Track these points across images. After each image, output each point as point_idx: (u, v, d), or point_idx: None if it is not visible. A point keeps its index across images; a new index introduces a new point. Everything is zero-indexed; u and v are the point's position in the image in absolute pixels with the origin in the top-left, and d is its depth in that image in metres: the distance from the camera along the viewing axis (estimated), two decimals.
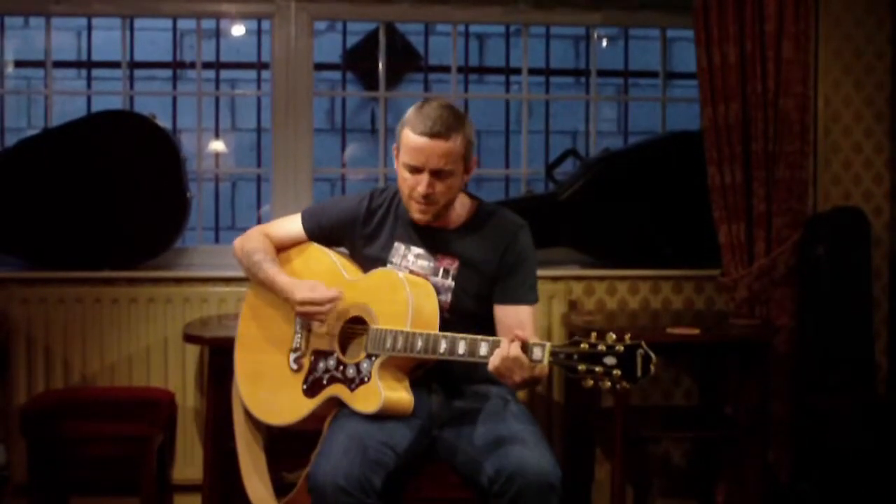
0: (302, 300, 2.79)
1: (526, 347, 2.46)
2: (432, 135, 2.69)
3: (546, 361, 2.43)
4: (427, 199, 2.73)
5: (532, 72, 4.70)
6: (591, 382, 2.37)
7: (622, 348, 2.35)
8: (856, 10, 4.31)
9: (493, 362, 2.49)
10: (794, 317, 4.12)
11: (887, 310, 4.35)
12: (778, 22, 4.02)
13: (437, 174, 2.71)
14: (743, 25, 4.02)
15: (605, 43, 6.00)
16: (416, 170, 2.72)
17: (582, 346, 2.39)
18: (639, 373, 2.34)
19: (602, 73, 5.36)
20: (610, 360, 2.35)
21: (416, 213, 2.78)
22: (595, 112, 4.74)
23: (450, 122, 2.72)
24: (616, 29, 5.89)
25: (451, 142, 2.71)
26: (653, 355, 2.34)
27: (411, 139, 2.72)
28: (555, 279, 4.21)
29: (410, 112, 2.78)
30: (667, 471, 4.36)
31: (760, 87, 4.03)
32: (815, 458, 4.03)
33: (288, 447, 3.17)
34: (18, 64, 5.90)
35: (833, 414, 3.96)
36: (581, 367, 2.37)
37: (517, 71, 4.95)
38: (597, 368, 2.36)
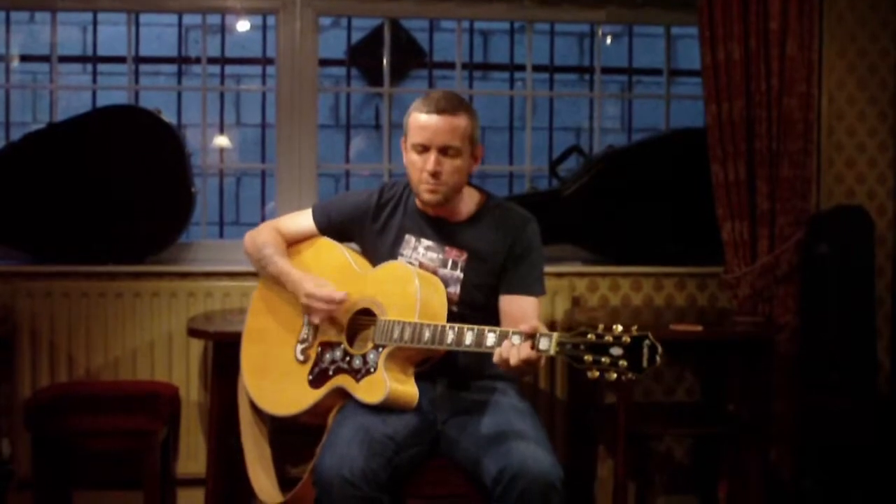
0: (308, 293, 2.82)
1: (533, 337, 2.47)
2: (438, 111, 2.77)
3: (553, 351, 2.43)
4: (435, 177, 2.77)
5: (536, 68, 4.70)
6: (596, 374, 2.36)
7: (629, 339, 2.35)
8: (860, 9, 4.31)
9: (500, 354, 2.50)
10: (796, 315, 4.12)
11: (890, 308, 4.36)
12: (782, 20, 4.02)
13: (444, 151, 2.77)
14: (747, 23, 4.03)
15: (609, 40, 5.99)
16: (424, 148, 2.78)
17: (588, 336, 2.39)
18: (645, 363, 2.33)
19: (606, 71, 5.36)
20: (616, 351, 2.35)
21: (426, 193, 2.81)
22: (599, 109, 4.74)
23: (454, 101, 2.81)
24: (620, 26, 5.88)
25: (457, 118, 2.78)
26: (659, 346, 2.34)
27: (418, 119, 2.80)
28: (558, 275, 4.22)
29: (416, 101, 2.87)
30: (669, 467, 4.37)
31: (764, 86, 4.04)
32: (816, 455, 4.04)
33: (292, 441, 3.19)
34: (24, 58, 5.90)
35: (835, 412, 3.97)
36: (587, 357, 2.37)
37: (521, 68, 4.94)
38: (603, 359, 2.35)
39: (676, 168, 4.37)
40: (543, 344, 2.45)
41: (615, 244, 4.40)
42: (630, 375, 2.35)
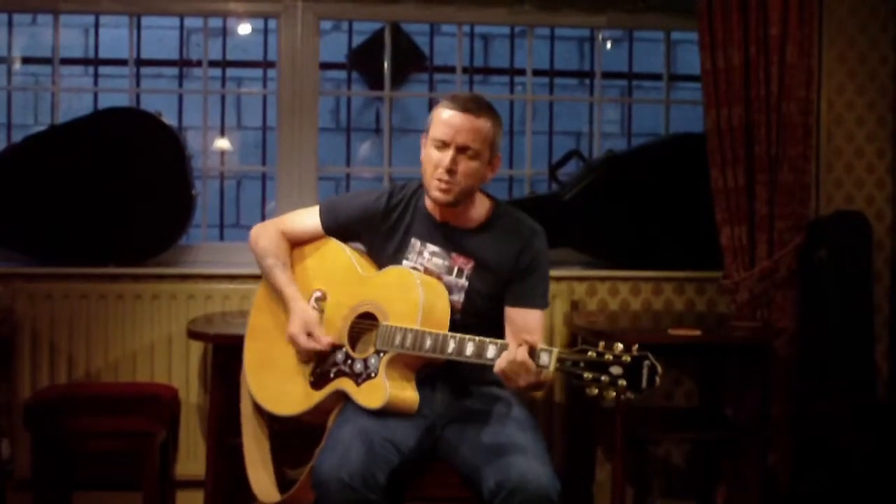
0: (291, 335, 2.85)
1: (533, 352, 2.46)
2: (464, 109, 2.75)
3: (552, 367, 2.43)
4: (450, 174, 2.74)
5: (536, 73, 4.71)
6: (595, 391, 2.37)
7: (629, 359, 2.34)
8: (860, 15, 4.33)
9: (500, 364, 2.50)
10: (795, 320, 4.13)
11: (888, 313, 4.36)
12: (782, 26, 4.03)
13: (462, 150, 2.74)
14: (747, 29, 4.04)
15: (609, 45, 6.00)
16: (443, 145, 2.75)
17: (589, 354, 2.39)
18: (644, 384, 2.33)
19: (606, 75, 5.37)
20: (616, 370, 2.34)
21: (436, 191, 2.77)
22: (599, 113, 4.76)
23: (482, 104, 2.79)
24: (620, 31, 5.89)
25: (481, 120, 2.75)
26: (659, 367, 2.34)
27: (442, 115, 2.77)
28: (557, 279, 4.22)
29: (443, 99, 2.83)
30: (667, 472, 4.38)
31: (764, 91, 4.05)
32: (814, 460, 4.04)
33: (291, 443, 3.19)
34: (26, 60, 5.91)
35: (833, 417, 3.98)
36: (587, 375, 2.37)
37: (522, 72, 4.95)
38: (602, 378, 2.35)
39: (676, 173, 4.38)
40: (543, 359, 2.45)
41: (614, 248, 4.41)
42: (629, 395, 2.35)
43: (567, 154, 4.74)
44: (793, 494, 4.12)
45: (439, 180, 2.76)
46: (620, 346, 2.37)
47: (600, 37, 4.77)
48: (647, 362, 2.34)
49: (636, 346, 2.37)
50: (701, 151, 4.13)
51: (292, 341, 2.85)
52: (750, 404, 3.89)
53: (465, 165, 2.75)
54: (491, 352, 2.55)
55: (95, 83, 5.70)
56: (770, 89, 4.05)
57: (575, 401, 4.18)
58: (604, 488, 4.18)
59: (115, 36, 5.46)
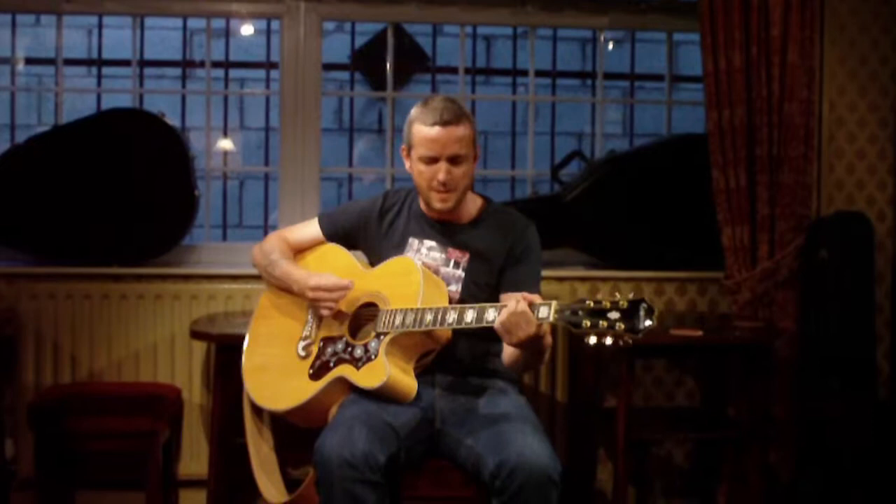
0: (314, 286, 2.88)
1: (532, 307, 2.52)
2: (444, 123, 2.83)
3: (552, 318, 2.49)
4: (446, 185, 2.85)
5: (539, 73, 4.72)
6: (594, 339, 2.43)
7: (626, 304, 2.42)
8: (861, 16, 4.33)
9: (500, 318, 2.56)
10: (796, 320, 4.14)
11: (889, 314, 4.37)
12: (783, 27, 4.04)
13: (452, 160, 2.85)
14: (749, 30, 4.05)
15: (611, 46, 6.01)
16: (432, 160, 2.85)
17: (587, 303, 2.46)
18: (641, 325, 2.40)
19: (608, 76, 5.37)
20: (614, 315, 2.41)
21: (438, 202, 2.89)
22: (601, 114, 4.76)
23: (456, 110, 2.87)
24: (623, 32, 5.90)
25: (461, 127, 2.85)
26: (654, 308, 2.41)
27: (424, 132, 2.85)
28: (559, 280, 4.24)
29: (415, 110, 2.92)
30: (669, 471, 4.38)
31: (765, 92, 4.06)
32: (816, 459, 4.05)
33: (294, 444, 3.20)
34: (29, 61, 5.92)
35: (834, 416, 3.98)
36: (586, 322, 2.43)
37: (524, 72, 4.97)
38: (601, 323, 2.42)
39: (677, 174, 4.38)
40: (543, 312, 2.51)
41: (616, 249, 4.41)
42: (627, 338, 2.41)
43: (569, 155, 4.75)
44: (794, 493, 4.13)
45: (437, 192, 2.88)
46: (618, 294, 2.46)
47: (602, 38, 4.78)
48: (643, 305, 2.41)
49: (632, 293, 2.45)
50: (702, 152, 4.14)
51: (317, 290, 2.87)
52: (751, 404, 3.90)
53: (457, 172, 2.87)
54: (491, 314, 2.62)
55: (99, 84, 5.71)
56: (771, 90, 4.06)
57: (576, 400, 4.19)
58: (605, 488, 4.19)
59: (118, 37, 5.47)
